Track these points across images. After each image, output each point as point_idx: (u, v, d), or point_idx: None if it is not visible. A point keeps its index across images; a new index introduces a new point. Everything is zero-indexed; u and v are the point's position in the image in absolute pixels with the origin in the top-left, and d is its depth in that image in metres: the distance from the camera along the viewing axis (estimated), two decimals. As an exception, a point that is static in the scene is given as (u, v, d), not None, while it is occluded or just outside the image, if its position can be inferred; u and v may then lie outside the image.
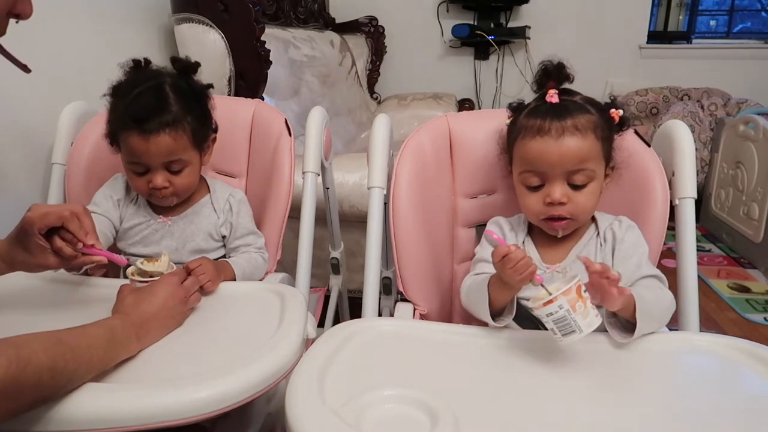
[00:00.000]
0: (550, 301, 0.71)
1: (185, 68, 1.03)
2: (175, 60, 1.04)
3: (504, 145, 0.97)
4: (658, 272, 0.88)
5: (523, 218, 0.96)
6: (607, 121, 0.88)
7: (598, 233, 0.92)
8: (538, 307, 0.72)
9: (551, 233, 0.90)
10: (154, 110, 0.95)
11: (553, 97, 0.87)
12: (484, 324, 0.92)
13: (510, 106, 0.95)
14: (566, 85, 0.90)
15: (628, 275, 0.85)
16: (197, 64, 1.05)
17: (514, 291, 0.80)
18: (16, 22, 0.77)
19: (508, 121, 0.95)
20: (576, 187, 0.86)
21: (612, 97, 0.94)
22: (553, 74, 0.89)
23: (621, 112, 0.89)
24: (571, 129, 0.84)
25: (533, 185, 0.88)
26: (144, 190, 1.01)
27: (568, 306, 0.70)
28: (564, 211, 0.86)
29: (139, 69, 1.02)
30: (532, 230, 0.95)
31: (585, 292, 0.72)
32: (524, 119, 0.88)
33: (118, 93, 0.99)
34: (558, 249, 0.92)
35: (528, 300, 0.88)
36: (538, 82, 0.91)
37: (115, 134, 1.00)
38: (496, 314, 0.83)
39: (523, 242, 0.94)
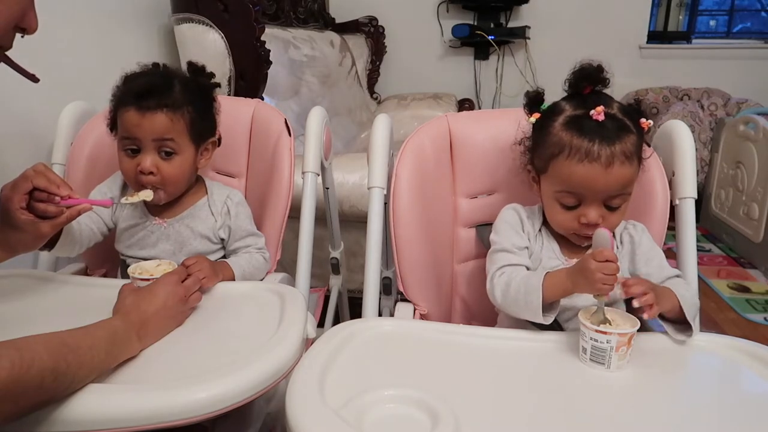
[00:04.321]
0: (604, 332, 0.72)
1: (198, 71, 1.06)
2: (191, 64, 1.07)
3: (527, 145, 0.93)
4: (677, 270, 0.90)
5: (536, 210, 0.95)
6: (641, 135, 0.86)
7: (614, 235, 0.91)
8: (590, 328, 0.73)
9: (576, 242, 0.89)
10: (156, 90, 0.97)
11: (600, 114, 0.81)
12: (485, 324, 0.92)
13: (528, 97, 0.91)
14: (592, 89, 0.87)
15: (655, 276, 0.87)
16: (212, 75, 1.07)
17: (574, 292, 0.80)
18: (22, 36, 0.78)
19: (533, 119, 0.90)
20: (612, 208, 0.85)
21: (637, 101, 0.90)
22: (592, 77, 0.85)
23: (651, 123, 0.87)
24: (620, 157, 0.81)
25: (570, 205, 0.86)
26: (132, 173, 0.99)
27: (615, 344, 0.72)
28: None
29: (153, 67, 1.04)
30: (546, 221, 0.94)
31: (633, 341, 0.73)
32: (566, 134, 0.83)
33: (125, 80, 1.01)
34: (573, 248, 0.91)
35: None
36: (572, 83, 0.87)
37: (115, 115, 1.00)
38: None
39: (540, 230, 0.93)
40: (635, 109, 0.87)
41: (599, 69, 0.85)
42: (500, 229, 0.93)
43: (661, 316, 0.81)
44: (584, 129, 0.82)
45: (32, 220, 0.81)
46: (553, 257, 0.91)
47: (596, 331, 0.72)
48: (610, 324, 0.74)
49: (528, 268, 0.89)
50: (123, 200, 0.98)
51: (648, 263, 0.89)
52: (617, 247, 0.91)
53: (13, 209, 0.80)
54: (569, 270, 0.80)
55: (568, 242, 0.92)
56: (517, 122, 0.95)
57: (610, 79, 0.86)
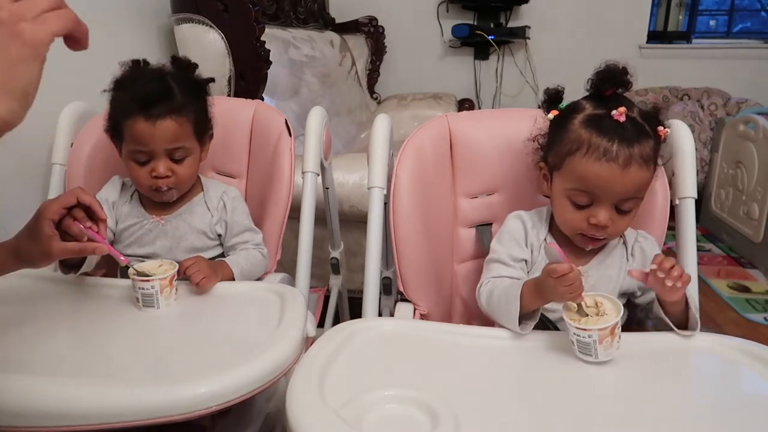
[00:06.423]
0: (584, 329, 0.73)
1: (185, 66, 1.06)
2: (175, 59, 1.06)
3: (541, 142, 0.93)
4: None
5: (544, 214, 0.95)
6: (658, 142, 0.86)
7: (626, 246, 0.92)
8: (571, 326, 0.74)
9: (580, 245, 0.89)
10: (160, 96, 0.97)
11: (621, 116, 0.81)
12: (485, 324, 0.92)
13: (548, 94, 0.90)
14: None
15: None
16: (195, 65, 1.07)
17: (549, 302, 0.80)
18: None
19: (551, 116, 0.90)
20: (622, 212, 0.84)
21: (655, 108, 0.88)
22: (615, 78, 0.84)
23: (668, 131, 0.87)
24: (638, 159, 0.81)
25: (581, 204, 0.85)
26: (145, 181, 1.00)
27: (597, 338, 0.73)
28: (604, 233, 0.85)
29: (139, 66, 1.04)
30: (553, 227, 0.94)
31: (618, 328, 0.74)
32: (585, 131, 0.83)
33: (121, 85, 1.01)
34: (581, 251, 0.91)
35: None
36: (594, 83, 0.86)
37: (117, 124, 1.00)
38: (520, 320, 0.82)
39: (545, 239, 0.93)
40: (654, 116, 0.86)
41: (624, 71, 0.84)
42: (502, 239, 0.93)
43: (664, 311, 0.82)
44: (604, 128, 0.82)
45: (52, 234, 0.80)
46: None
47: (577, 328, 0.73)
48: (589, 316, 0.75)
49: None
50: (133, 278, 0.87)
51: None
52: (627, 259, 0.92)
53: (44, 217, 0.80)
54: (536, 283, 0.79)
55: (572, 250, 0.91)
56: (517, 122, 0.95)
57: (633, 82, 0.85)
